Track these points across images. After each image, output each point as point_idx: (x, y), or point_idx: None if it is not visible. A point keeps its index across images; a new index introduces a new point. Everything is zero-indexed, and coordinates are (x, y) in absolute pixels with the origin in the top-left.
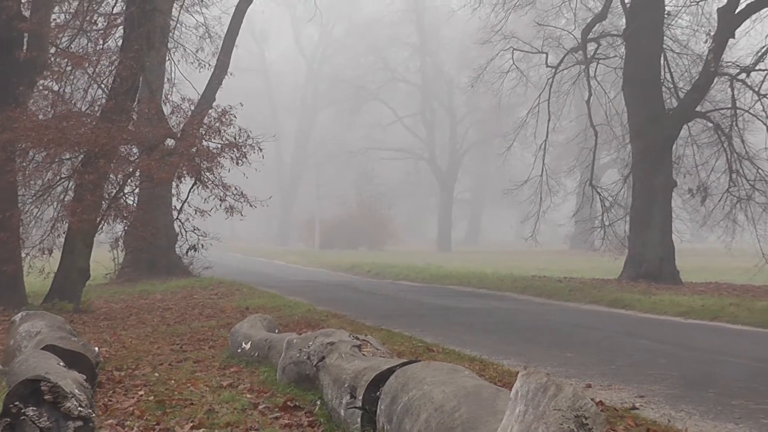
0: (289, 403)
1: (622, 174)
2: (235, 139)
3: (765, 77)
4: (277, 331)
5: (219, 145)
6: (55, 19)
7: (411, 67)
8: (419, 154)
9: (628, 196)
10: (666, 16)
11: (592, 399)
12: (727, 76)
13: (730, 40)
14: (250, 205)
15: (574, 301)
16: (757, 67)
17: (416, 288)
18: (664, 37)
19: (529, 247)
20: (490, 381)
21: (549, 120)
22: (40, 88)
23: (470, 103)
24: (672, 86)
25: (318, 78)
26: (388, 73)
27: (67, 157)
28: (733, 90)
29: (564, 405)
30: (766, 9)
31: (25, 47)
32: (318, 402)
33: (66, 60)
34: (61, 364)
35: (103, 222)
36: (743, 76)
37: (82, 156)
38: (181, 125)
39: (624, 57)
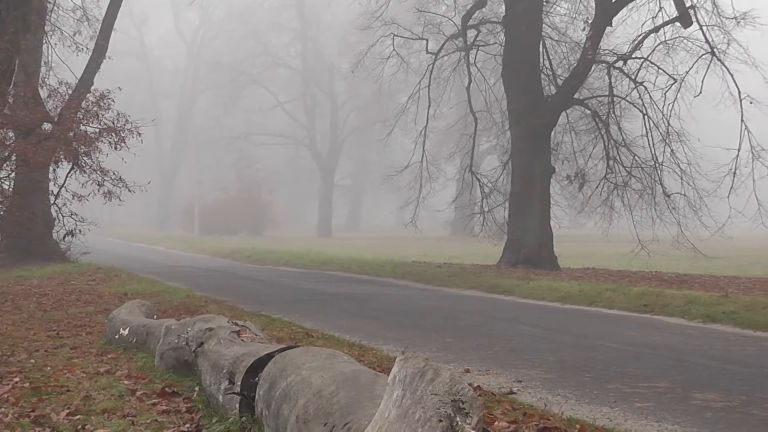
0: (167, 389)
1: (502, 160)
2: (113, 123)
3: (641, 65)
4: (155, 317)
5: (97, 130)
6: None
7: (292, 52)
8: (300, 139)
9: (507, 183)
10: (545, 3)
11: (470, 384)
12: (604, 64)
13: (608, 28)
14: (129, 191)
15: (453, 287)
16: (633, 55)
17: (296, 274)
18: (543, 25)
19: (410, 233)
20: (369, 366)
21: (429, 106)
22: None
23: (351, 89)
24: (551, 73)
25: (198, 62)
26: (269, 58)
27: None
28: (610, 77)
29: (441, 389)
30: None
31: None
32: (196, 388)
33: None
34: None
35: None
36: (620, 63)
37: None
38: (59, 109)
39: (504, 44)
